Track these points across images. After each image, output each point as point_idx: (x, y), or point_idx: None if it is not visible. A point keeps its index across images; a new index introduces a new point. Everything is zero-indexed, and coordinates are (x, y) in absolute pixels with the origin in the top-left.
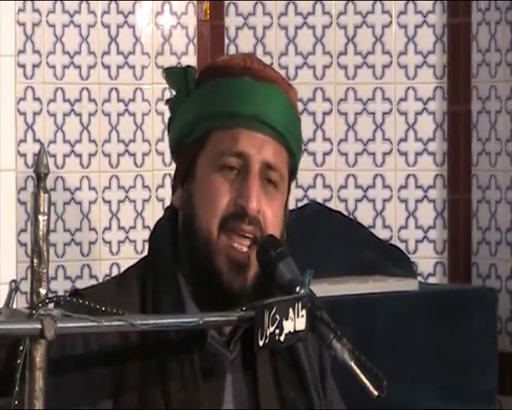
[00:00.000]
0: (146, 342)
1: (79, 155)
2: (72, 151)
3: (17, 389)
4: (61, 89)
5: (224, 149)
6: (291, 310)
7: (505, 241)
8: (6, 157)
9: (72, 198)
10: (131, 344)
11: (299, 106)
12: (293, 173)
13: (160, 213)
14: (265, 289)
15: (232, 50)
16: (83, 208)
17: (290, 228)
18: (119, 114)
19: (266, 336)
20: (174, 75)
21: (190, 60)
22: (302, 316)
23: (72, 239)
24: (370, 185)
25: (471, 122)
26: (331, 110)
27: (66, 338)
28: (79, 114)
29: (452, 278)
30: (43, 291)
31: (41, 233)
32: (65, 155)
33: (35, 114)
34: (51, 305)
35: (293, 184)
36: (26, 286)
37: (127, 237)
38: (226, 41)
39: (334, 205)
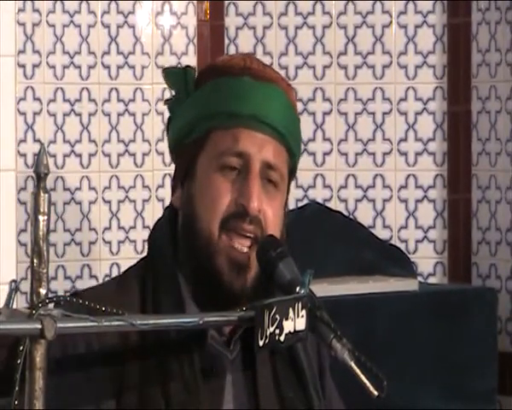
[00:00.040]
0: (146, 342)
1: (79, 155)
2: (72, 151)
3: (17, 389)
4: (61, 89)
5: (224, 149)
6: (291, 310)
7: (505, 241)
8: (6, 157)
9: (72, 198)
10: (132, 344)
11: (299, 106)
12: (292, 173)
13: (159, 214)
14: (265, 289)
15: (232, 50)
16: (83, 208)
17: (290, 228)
18: (119, 114)
19: (266, 336)
20: (173, 75)
21: (190, 60)
22: (302, 316)
23: (72, 239)
24: (370, 185)
25: (471, 122)
26: (331, 110)
27: (67, 338)
28: (79, 114)
29: (452, 278)
30: (43, 291)
31: (41, 233)
32: (65, 155)
33: (35, 114)
34: (51, 305)
35: (293, 184)
36: (26, 286)
37: (127, 237)
38: (226, 41)
39: (334, 205)
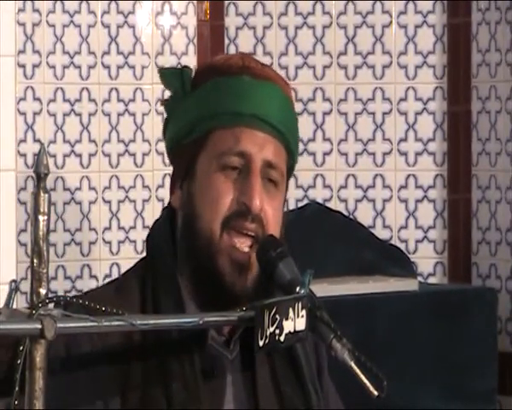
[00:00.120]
0: (148, 342)
1: (79, 155)
2: (72, 151)
3: (17, 389)
4: (61, 89)
5: (225, 149)
6: (291, 310)
7: (505, 241)
8: (6, 157)
9: (72, 198)
10: (135, 345)
11: (299, 106)
12: (290, 172)
13: (160, 214)
14: (265, 289)
15: (232, 50)
16: (83, 208)
17: (290, 228)
18: (119, 114)
19: (266, 337)
20: (170, 76)
21: (190, 60)
22: (302, 316)
23: (72, 239)
24: (370, 185)
25: (471, 122)
26: (331, 110)
27: (71, 339)
28: (79, 114)
29: (452, 278)
30: (43, 291)
31: (41, 233)
32: (65, 155)
33: (35, 114)
34: (51, 305)
35: (293, 184)
36: (26, 286)
37: (127, 237)
38: (226, 41)
39: (334, 205)
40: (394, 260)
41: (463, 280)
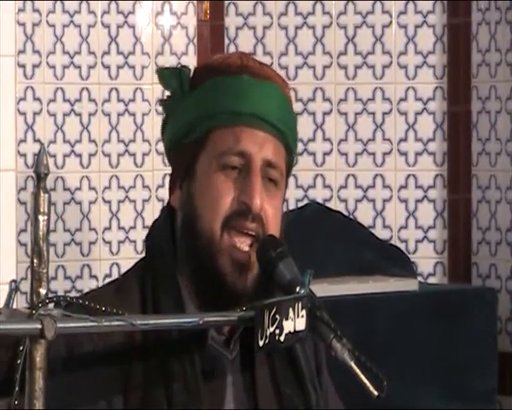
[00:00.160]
0: (149, 342)
1: (79, 155)
2: (72, 151)
3: (17, 389)
4: (61, 89)
5: (225, 149)
6: (291, 310)
7: (505, 241)
8: (6, 157)
9: (72, 198)
10: (135, 344)
11: (300, 106)
12: (289, 170)
13: (159, 214)
14: (265, 289)
15: (232, 50)
16: (83, 208)
17: (290, 228)
18: (119, 114)
19: (266, 337)
20: (168, 76)
21: (190, 60)
22: (302, 316)
23: (72, 239)
24: (370, 185)
25: (471, 122)
26: (331, 110)
27: (73, 339)
28: (79, 114)
29: (452, 278)
30: (43, 291)
31: (41, 233)
32: (65, 155)
33: (35, 114)
34: (51, 305)
35: (293, 184)
36: (26, 286)
37: (127, 237)
38: (226, 41)
39: (334, 205)
40: (394, 260)
41: (463, 280)
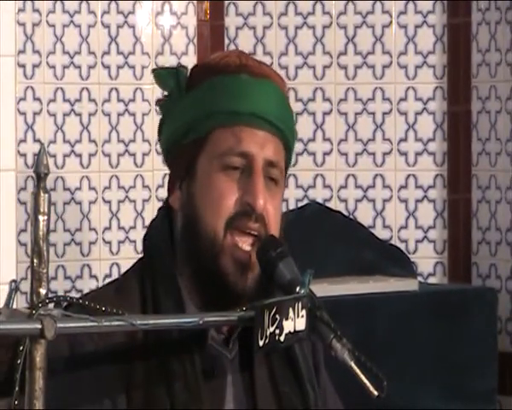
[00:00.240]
0: (149, 342)
1: (79, 155)
2: (72, 151)
3: (17, 389)
4: (61, 89)
5: (226, 149)
6: (291, 310)
7: (505, 241)
8: (6, 157)
9: (72, 198)
10: (136, 344)
11: (300, 106)
12: (288, 168)
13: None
14: (265, 290)
15: None
16: (83, 208)
17: (290, 228)
18: (119, 114)
19: (266, 336)
20: (165, 76)
21: (190, 60)
22: (302, 316)
23: (72, 239)
24: (370, 185)
25: (471, 122)
26: (331, 110)
27: (73, 338)
28: (79, 114)
29: (452, 278)
30: (43, 291)
31: (41, 233)
32: (65, 155)
33: (35, 114)
34: (51, 305)
35: (293, 184)
36: (26, 286)
37: (127, 237)
38: (226, 41)
39: (334, 205)
40: (394, 260)
41: (463, 280)
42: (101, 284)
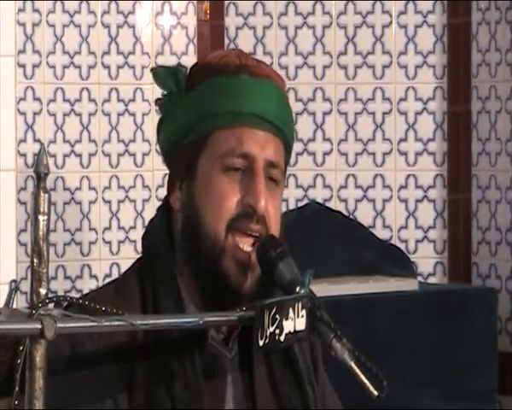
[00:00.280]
0: (150, 342)
1: (79, 155)
2: (72, 151)
3: (17, 389)
4: (61, 89)
5: (227, 150)
6: (291, 310)
7: (505, 241)
8: (6, 157)
9: (72, 198)
10: (137, 344)
11: (300, 106)
12: (287, 166)
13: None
14: (265, 290)
15: None
16: (83, 208)
17: (290, 228)
18: (119, 114)
19: (266, 336)
20: (164, 75)
21: (190, 60)
22: (302, 316)
23: (72, 239)
24: (370, 185)
25: (471, 122)
26: (331, 110)
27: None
28: (79, 114)
29: (452, 278)
30: (43, 291)
31: (41, 233)
32: (65, 155)
33: (35, 114)
34: (51, 305)
35: (293, 184)
36: (26, 286)
37: (127, 237)
38: (226, 41)
39: (334, 205)
40: (394, 260)
41: (463, 280)
42: (101, 284)
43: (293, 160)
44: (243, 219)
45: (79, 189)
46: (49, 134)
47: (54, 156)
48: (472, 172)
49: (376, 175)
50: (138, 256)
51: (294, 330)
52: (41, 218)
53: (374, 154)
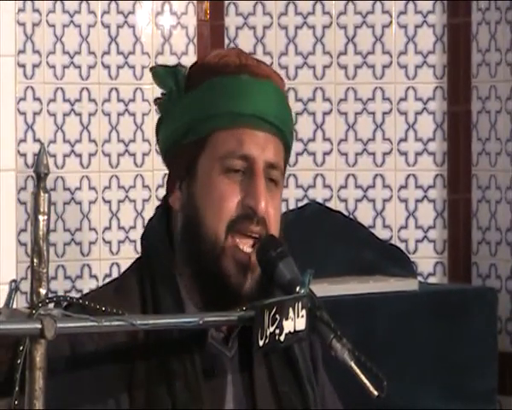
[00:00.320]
0: (150, 341)
1: (79, 155)
2: (72, 151)
3: (17, 389)
4: (61, 89)
5: (228, 152)
6: (291, 310)
7: (505, 241)
8: (6, 157)
9: (72, 198)
10: (137, 344)
11: (300, 106)
12: (286, 165)
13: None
14: (266, 290)
15: None
16: (83, 208)
17: (290, 228)
18: (119, 114)
19: (266, 336)
20: (164, 75)
21: (190, 60)
22: (302, 316)
23: (72, 239)
24: (370, 185)
25: (471, 122)
26: (331, 110)
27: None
28: (79, 114)
29: (452, 278)
30: (43, 291)
31: (41, 233)
32: (65, 155)
33: (35, 114)
34: (51, 305)
35: (293, 184)
36: (26, 286)
37: (127, 237)
38: (226, 41)
39: (334, 205)
40: (394, 260)
41: (463, 280)
42: (101, 284)
43: (293, 160)
44: (243, 220)
45: (79, 189)
46: (49, 134)
47: (54, 156)
48: (472, 172)
49: (376, 175)
50: (138, 256)
51: (294, 330)
52: (41, 218)
53: (374, 154)
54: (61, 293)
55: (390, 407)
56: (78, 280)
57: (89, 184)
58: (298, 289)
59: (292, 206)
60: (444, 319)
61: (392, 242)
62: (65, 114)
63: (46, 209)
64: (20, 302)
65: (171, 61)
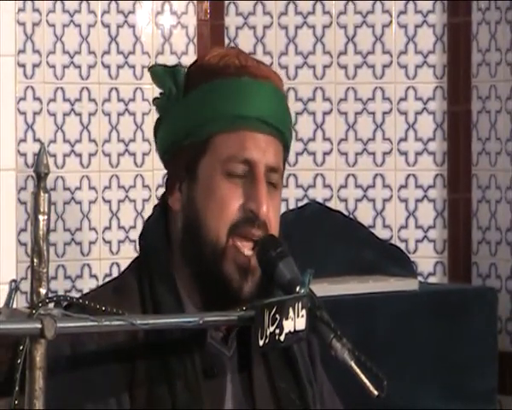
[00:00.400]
0: (150, 341)
1: (79, 155)
2: (72, 151)
3: (17, 389)
4: (61, 89)
5: (229, 156)
6: (291, 310)
7: (505, 241)
8: (6, 157)
9: (72, 198)
10: (137, 343)
11: (300, 106)
12: (284, 166)
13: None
14: (266, 290)
15: None
16: (83, 208)
17: (290, 228)
18: (119, 114)
19: (266, 336)
20: (162, 75)
21: (190, 59)
22: (302, 316)
23: (72, 239)
24: (370, 185)
25: (471, 122)
26: (331, 110)
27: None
28: (79, 114)
29: (452, 278)
30: (43, 291)
31: (41, 233)
32: (65, 155)
33: (35, 113)
34: (51, 305)
35: (293, 184)
36: (26, 286)
37: (127, 237)
38: (226, 41)
39: (334, 205)
40: (394, 259)
41: (463, 280)
42: (100, 284)
43: (293, 160)
44: (245, 224)
45: (79, 188)
46: (49, 134)
47: (54, 156)
48: (472, 171)
49: (376, 175)
50: (137, 256)
51: (294, 330)
52: (41, 218)
53: (374, 154)
54: (61, 293)
55: (390, 407)
56: (78, 280)
57: (89, 183)
58: (298, 288)
59: (292, 206)
60: (444, 318)
61: (392, 241)
62: (65, 114)
63: (46, 209)
64: (20, 302)
65: (171, 60)
